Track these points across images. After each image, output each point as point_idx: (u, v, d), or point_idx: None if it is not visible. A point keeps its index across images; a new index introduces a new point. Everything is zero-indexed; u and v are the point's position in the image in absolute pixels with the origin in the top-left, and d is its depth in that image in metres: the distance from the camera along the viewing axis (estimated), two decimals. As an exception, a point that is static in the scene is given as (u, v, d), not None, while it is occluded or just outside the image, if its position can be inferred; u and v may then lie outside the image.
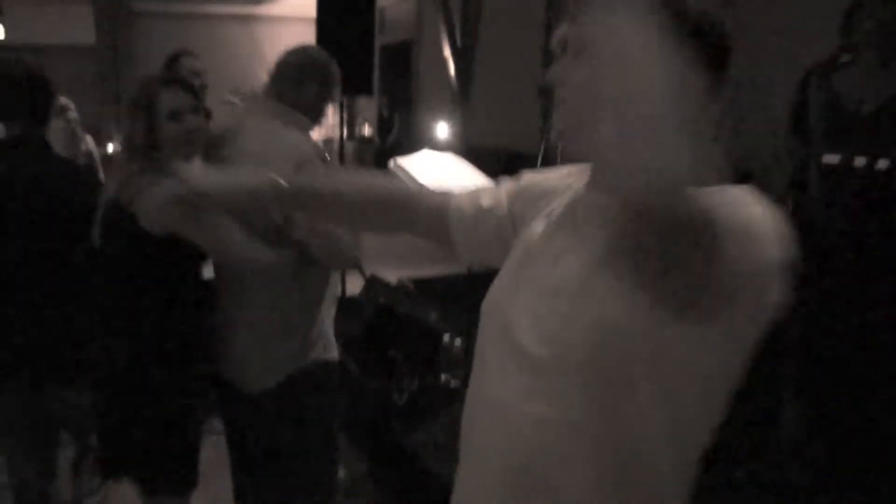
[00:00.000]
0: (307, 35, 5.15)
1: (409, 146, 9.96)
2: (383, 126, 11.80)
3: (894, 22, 2.41)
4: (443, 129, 8.44)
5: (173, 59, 3.84)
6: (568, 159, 1.30)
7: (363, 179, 1.48)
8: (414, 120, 12.13)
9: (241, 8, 14.74)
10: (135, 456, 2.21)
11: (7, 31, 13.02)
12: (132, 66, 14.30)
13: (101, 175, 5.69)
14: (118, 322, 2.21)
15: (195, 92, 2.26)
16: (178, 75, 2.53)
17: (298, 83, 2.41)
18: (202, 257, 2.23)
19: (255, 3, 14.59)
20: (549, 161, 3.75)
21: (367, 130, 11.81)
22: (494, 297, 1.24)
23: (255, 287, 2.27)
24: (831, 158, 2.57)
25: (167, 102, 2.14)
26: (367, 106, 11.97)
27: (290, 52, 2.50)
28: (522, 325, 1.12)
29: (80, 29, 13.99)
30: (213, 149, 2.29)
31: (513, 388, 1.11)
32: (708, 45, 1.04)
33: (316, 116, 2.48)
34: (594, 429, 1.04)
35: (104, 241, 2.17)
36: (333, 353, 2.44)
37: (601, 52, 0.93)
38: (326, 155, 2.45)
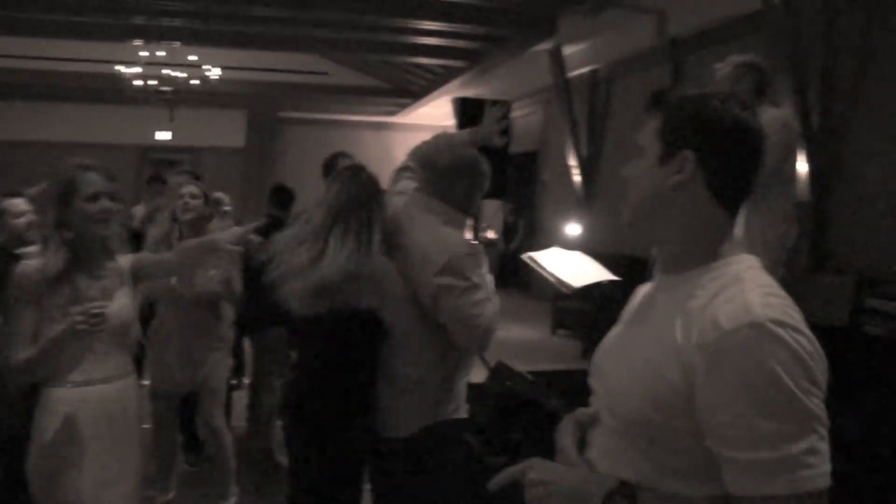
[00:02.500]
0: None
1: (531, 251, 10.33)
2: (508, 230, 12.20)
3: None
4: (573, 230, 8.71)
5: (332, 160, 4.24)
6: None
7: None
8: (537, 225, 12.51)
9: (376, 117, 15.70)
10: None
11: (173, 135, 14.45)
12: (275, 166, 15.37)
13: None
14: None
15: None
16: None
17: (450, 179, 2.64)
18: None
19: (389, 114, 15.50)
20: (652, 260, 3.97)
21: (490, 234, 12.25)
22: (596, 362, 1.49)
23: (407, 354, 2.62)
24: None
25: None
26: (493, 210, 12.43)
27: (440, 143, 2.80)
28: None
29: (233, 133, 15.11)
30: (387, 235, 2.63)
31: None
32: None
33: (468, 210, 2.71)
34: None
35: None
36: (463, 414, 2.74)
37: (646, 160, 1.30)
38: (478, 249, 2.67)
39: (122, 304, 2.54)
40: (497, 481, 1.31)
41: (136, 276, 2.67)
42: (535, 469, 1.27)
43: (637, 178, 1.34)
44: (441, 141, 2.99)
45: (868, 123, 6.07)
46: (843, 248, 6.17)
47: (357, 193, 2.55)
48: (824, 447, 1.11)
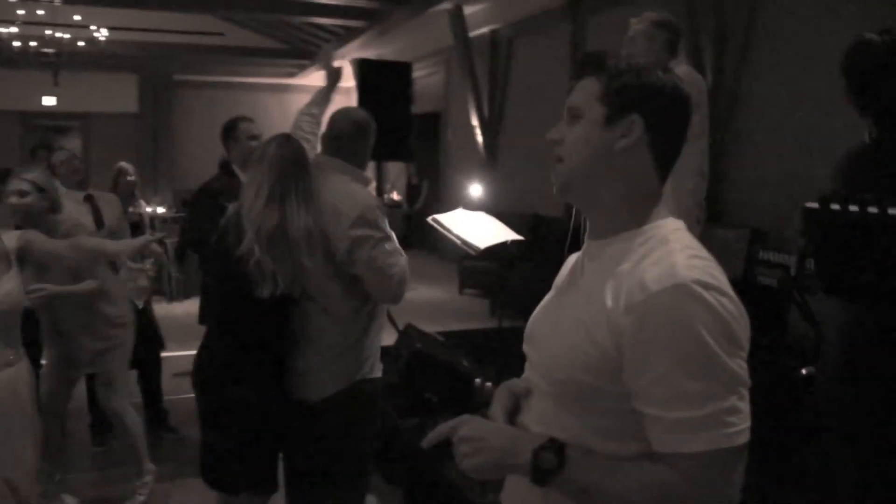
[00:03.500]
0: (340, 103, 5.57)
1: (436, 211, 10.35)
2: (412, 191, 12.19)
3: None
4: (475, 190, 8.77)
5: (233, 123, 4.14)
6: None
7: None
8: (441, 186, 12.55)
9: (275, 79, 15.39)
10: (229, 461, 2.63)
11: (59, 100, 13.80)
12: (170, 131, 14.93)
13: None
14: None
15: None
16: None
17: (353, 142, 2.81)
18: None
19: (289, 76, 15.22)
20: (577, 225, 4.04)
21: (395, 195, 12.22)
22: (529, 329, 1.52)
23: (321, 315, 2.66)
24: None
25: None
26: (396, 172, 12.40)
27: (340, 115, 2.88)
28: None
29: (125, 97, 14.58)
30: None
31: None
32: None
33: (365, 168, 2.89)
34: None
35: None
36: (378, 373, 2.82)
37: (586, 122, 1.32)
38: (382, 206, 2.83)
39: (7, 290, 2.42)
40: (430, 439, 1.32)
41: (22, 259, 2.54)
42: (466, 426, 1.28)
43: (575, 141, 1.33)
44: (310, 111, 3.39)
45: (760, 81, 6.28)
46: (737, 203, 6.41)
47: (296, 156, 2.66)
48: (745, 406, 1.16)
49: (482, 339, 5.77)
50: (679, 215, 1.39)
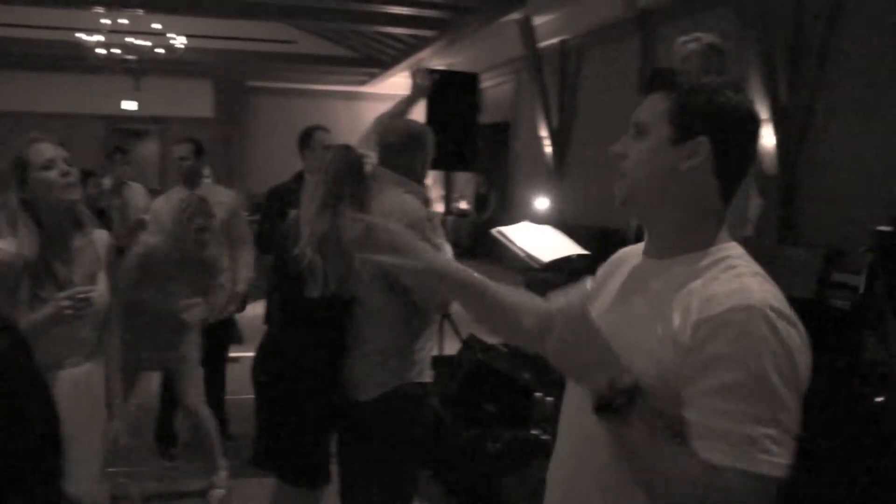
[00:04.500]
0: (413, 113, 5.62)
1: (504, 221, 10.33)
2: (480, 201, 12.19)
3: None
4: (542, 203, 8.73)
5: (309, 132, 4.21)
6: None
7: (500, 287, 1.64)
8: (509, 196, 12.53)
9: (346, 87, 15.58)
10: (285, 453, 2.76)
11: (139, 105, 14.24)
12: (243, 136, 15.24)
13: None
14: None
15: None
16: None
17: (405, 154, 2.86)
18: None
19: (359, 84, 15.39)
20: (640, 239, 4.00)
21: (463, 205, 12.24)
22: None
23: (371, 318, 2.72)
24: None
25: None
26: (465, 181, 12.43)
27: (392, 126, 2.96)
28: None
29: (200, 103, 14.96)
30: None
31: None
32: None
33: (422, 180, 2.93)
34: None
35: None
36: (427, 378, 2.85)
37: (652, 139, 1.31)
38: (435, 218, 2.89)
39: (101, 290, 2.49)
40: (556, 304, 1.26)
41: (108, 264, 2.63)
42: (569, 322, 1.24)
43: (639, 157, 1.32)
44: (385, 120, 3.30)
45: (835, 97, 6.12)
46: (810, 222, 6.25)
47: (351, 165, 2.76)
48: (788, 442, 1.14)
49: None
50: (733, 233, 1.37)
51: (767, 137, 6.30)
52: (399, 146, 2.86)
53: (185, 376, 3.99)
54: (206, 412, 4.06)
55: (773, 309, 1.16)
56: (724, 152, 1.27)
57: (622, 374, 1.20)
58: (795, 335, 1.17)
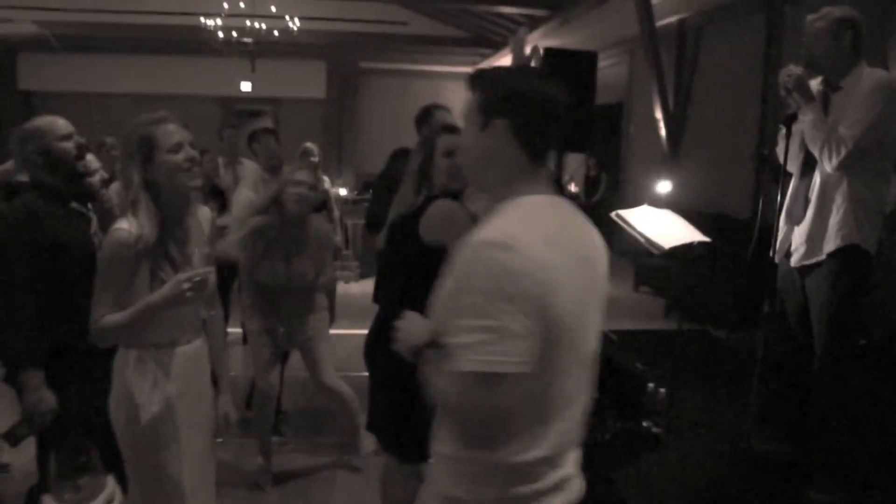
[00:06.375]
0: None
1: (614, 205, 10.08)
2: (589, 184, 11.96)
3: None
4: (664, 186, 8.46)
5: (427, 112, 4.15)
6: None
7: None
8: (620, 180, 12.25)
9: (457, 67, 15.54)
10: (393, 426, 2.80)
11: (254, 86, 14.62)
12: (356, 117, 15.44)
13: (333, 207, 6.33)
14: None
15: None
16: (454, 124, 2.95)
17: None
18: None
19: (471, 65, 15.31)
20: (765, 228, 3.79)
21: (572, 187, 12.03)
22: None
23: None
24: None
25: (444, 143, 2.67)
26: (576, 164, 12.21)
27: None
28: None
29: (314, 84, 15.22)
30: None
31: None
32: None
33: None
34: None
35: (390, 245, 2.87)
36: None
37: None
38: None
39: (210, 270, 2.52)
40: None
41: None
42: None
43: (465, 146, 1.74)
44: None
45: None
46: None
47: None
48: (507, 343, 1.46)
49: (656, 341, 5.56)
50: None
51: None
52: None
53: (317, 353, 4.02)
54: (345, 387, 4.10)
55: (486, 242, 1.50)
56: (524, 128, 1.61)
57: (428, 336, 1.65)
58: (507, 259, 1.46)
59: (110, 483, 1.71)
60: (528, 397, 1.53)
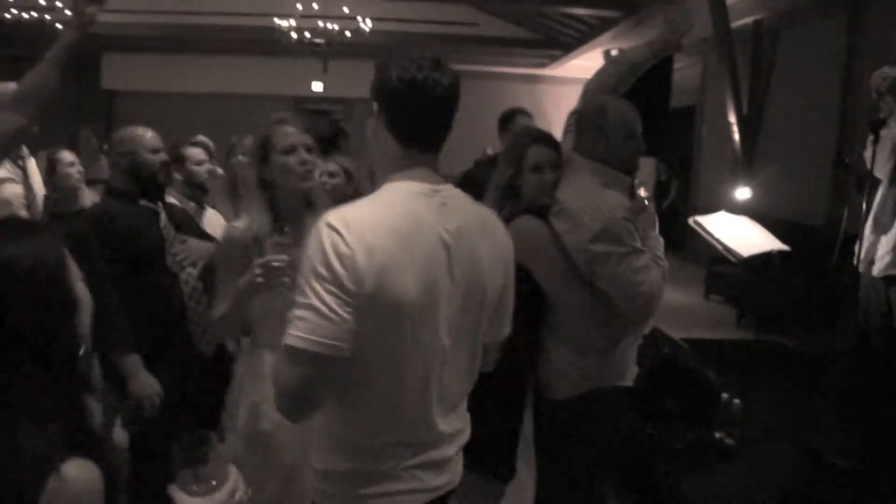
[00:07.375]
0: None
1: (683, 210, 9.88)
2: (660, 189, 11.79)
3: None
4: (743, 193, 8.29)
5: (509, 116, 4.13)
6: None
7: None
8: (690, 184, 12.04)
9: (526, 69, 15.49)
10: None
11: (325, 86, 14.81)
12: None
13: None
14: None
15: (558, 148, 2.61)
16: (545, 133, 2.76)
17: (599, 137, 2.57)
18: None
19: (540, 66, 15.26)
20: (848, 238, 3.69)
21: (642, 192, 11.87)
22: None
23: (569, 316, 2.59)
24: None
25: (533, 157, 2.58)
26: (647, 169, 12.05)
27: (594, 104, 2.67)
28: None
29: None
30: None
31: None
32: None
33: (628, 169, 2.63)
34: None
35: None
36: (629, 382, 2.69)
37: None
38: (639, 211, 2.62)
39: (284, 258, 2.54)
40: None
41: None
42: None
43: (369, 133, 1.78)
44: (590, 95, 2.91)
45: None
46: None
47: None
48: (309, 324, 1.51)
49: (727, 351, 5.47)
50: None
51: None
52: (591, 128, 2.59)
53: None
54: None
55: (325, 223, 1.55)
56: (393, 115, 1.68)
57: None
58: (336, 241, 1.52)
59: (233, 473, 1.75)
60: (358, 380, 1.61)
